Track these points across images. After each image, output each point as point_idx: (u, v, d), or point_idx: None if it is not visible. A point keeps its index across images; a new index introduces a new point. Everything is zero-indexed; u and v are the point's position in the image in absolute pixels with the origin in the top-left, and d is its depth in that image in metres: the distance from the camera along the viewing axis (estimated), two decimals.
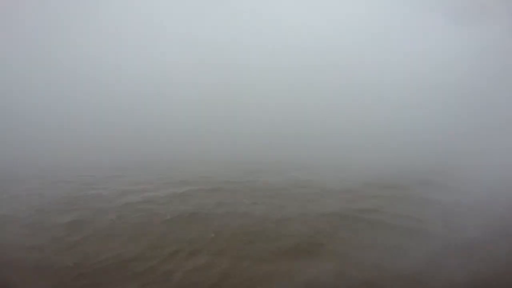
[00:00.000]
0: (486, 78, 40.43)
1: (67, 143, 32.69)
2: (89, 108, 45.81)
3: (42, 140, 32.74)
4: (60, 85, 50.14)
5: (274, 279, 6.13)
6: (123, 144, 32.97)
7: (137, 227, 8.68)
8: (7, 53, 50.06)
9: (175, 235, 8.11)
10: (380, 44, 55.09)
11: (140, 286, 5.83)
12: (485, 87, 39.36)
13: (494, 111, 34.83)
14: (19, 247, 7.32)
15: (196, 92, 50.04)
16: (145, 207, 10.49)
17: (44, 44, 52.25)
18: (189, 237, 8.01)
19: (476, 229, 8.65)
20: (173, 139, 37.31)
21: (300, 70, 54.55)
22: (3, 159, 23.31)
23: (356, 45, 55.03)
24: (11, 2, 53.48)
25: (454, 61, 45.39)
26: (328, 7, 59.78)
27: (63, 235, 8.09)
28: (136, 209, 10.21)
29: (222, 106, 48.23)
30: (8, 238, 7.92)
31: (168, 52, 56.67)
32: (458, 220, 9.57)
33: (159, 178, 16.08)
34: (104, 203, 11.02)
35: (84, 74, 51.72)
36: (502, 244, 7.77)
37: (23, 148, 28.97)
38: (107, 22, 56.42)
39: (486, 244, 7.71)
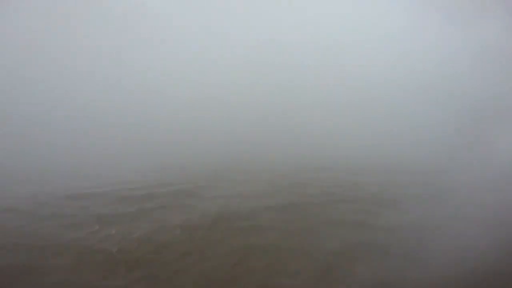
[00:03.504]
0: (486, 78, 40.42)
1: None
2: (113, 112, 42.17)
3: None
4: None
5: None
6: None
7: None
8: (7, 53, 49.47)
9: None
10: (379, 43, 54.96)
11: None
12: (484, 87, 39.37)
13: (493, 111, 34.80)
14: None
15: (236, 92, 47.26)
16: None
17: (50, 44, 50.66)
18: None
19: None
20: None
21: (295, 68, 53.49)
22: None
23: (356, 44, 54.78)
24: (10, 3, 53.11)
25: (453, 61, 45.39)
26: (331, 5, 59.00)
27: None
28: None
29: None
30: None
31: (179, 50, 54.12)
32: None
33: None
34: None
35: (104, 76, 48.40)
36: None
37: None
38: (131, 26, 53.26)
39: None
